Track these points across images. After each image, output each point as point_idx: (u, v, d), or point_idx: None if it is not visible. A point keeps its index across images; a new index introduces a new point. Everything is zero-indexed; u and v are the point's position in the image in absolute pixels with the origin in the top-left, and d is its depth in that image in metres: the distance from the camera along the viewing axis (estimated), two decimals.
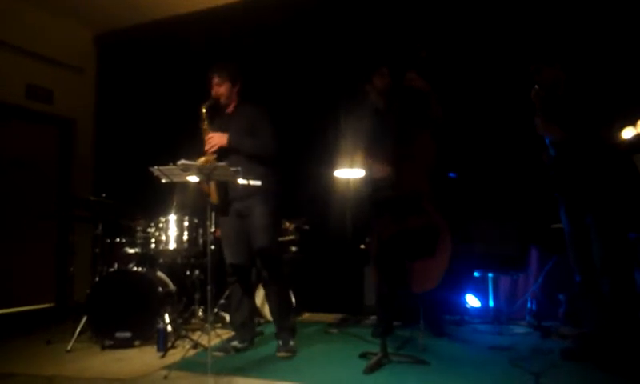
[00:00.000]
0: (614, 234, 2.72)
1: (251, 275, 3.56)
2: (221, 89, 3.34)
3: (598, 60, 3.64)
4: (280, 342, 3.25)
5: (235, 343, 3.32)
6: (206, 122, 3.28)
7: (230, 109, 3.42)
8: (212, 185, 3.20)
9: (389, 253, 3.26)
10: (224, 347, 3.29)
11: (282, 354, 3.17)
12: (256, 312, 3.86)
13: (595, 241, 2.75)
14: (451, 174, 4.02)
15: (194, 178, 2.92)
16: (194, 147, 3.31)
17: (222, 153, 3.24)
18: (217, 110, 3.41)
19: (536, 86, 2.88)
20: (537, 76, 2.90)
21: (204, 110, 3.28)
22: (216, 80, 3.33)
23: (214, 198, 3.24)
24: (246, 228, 3.30)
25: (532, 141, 3.12)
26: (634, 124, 3.25)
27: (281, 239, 4.14)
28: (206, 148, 3.24)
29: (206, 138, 3.25)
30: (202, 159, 3.16)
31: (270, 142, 3.27)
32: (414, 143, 3.39)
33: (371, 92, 3.60)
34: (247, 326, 3.41)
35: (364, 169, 3.53)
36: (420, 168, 3.39)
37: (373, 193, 3.48)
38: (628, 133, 3.24)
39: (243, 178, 2.91)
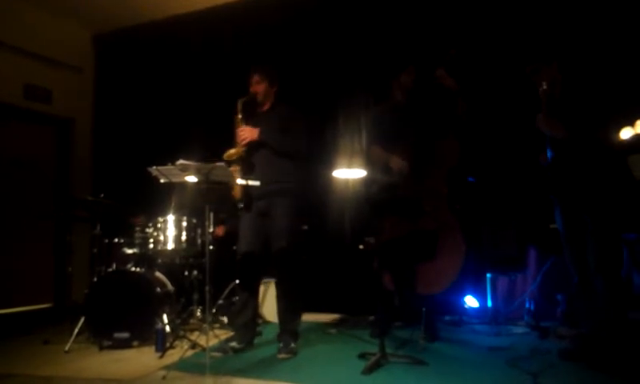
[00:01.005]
0: (610, 234, 2.73)
1: (260, 275, 3.56)
2: (259, 87, 3.45)
3: (596, 60, 3.64)
4: (281, 344, 3.25)
5: (234, 344, 3.32)
6: (240, 115, 3.38)
7: (266, 107, 3.51)
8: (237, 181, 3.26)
9: (396, 253, 3.25)
10: (222, 348, 3.28)
11: (283, 355, 3.16)
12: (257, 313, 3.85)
13: (590, 240, 2.76)
14: (470, 179, 4.01)
15: (192, 178, 2.92)
16: (194, 146, 3.32)
17: (252, 147, 3.34)
18: (253, 108, 3.51)
19: (544, 84, 2.87)
20: (534, 76, 2.89)
21: (240, 104, 3.38)
22: (256, 78, 3.45)
23: (237, 194, 3.31)
24: (265, 226, 3.35)
25: (530, 142, 3.12)
26: (632, 124, 3.26)
27: None
28: (237, 140, 3.33)
29: (238, 130, 3.34)
30: (232, 150, 3.29)
31: (298, 142, 3.37)
32: (437, 142, 3.38)
33: (395, 88, 3.62)
34: (249, 327, 3.42)
35: (378, 163, 3.50)
36: (441, 168, 3.38)
37: (381, 192, 3.43)
38: (626, 133, 3.25)
39: (249, 178, 2.93)
